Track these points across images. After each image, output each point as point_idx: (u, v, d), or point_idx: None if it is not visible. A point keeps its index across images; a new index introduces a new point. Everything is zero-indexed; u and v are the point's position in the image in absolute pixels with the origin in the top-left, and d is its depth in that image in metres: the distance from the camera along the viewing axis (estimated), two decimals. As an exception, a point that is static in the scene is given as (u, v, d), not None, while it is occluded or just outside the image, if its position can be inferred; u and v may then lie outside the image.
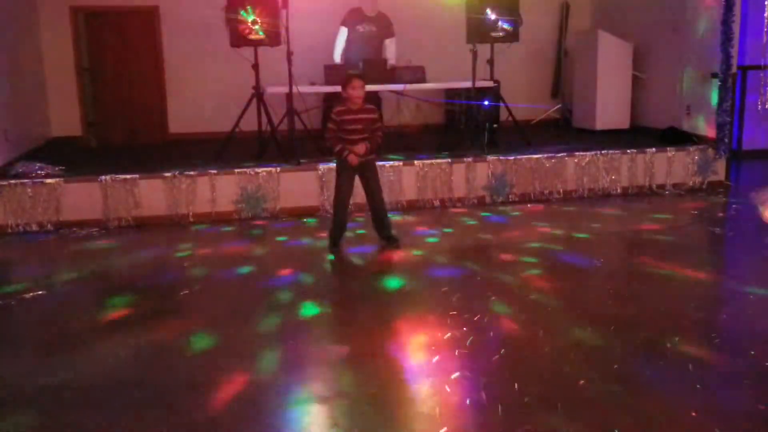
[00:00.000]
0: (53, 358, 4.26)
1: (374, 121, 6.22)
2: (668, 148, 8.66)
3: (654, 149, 8.62)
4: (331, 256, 6.27)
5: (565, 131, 10.74)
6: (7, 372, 4.02)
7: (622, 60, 10.10)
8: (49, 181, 7.33)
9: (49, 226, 7.27)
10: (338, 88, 6.37)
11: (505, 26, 8.71)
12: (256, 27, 7.96)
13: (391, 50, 9.28)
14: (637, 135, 9.85)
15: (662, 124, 9.63)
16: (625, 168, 8.50)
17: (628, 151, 8.54)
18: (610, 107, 10.14)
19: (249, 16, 7.99)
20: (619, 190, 8.46)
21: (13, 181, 7.29)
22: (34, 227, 7.23)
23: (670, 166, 8.60)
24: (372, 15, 9.18)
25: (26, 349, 4.49)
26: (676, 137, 9.09)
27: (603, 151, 8.47)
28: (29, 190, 7.25)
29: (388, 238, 6.45)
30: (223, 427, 3.42)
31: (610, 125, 10.15)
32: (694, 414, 3.39)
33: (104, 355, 4.30)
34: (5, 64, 8.45)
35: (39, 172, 7.51)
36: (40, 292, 5.42)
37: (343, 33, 9.16)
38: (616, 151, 8.52)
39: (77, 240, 7.01)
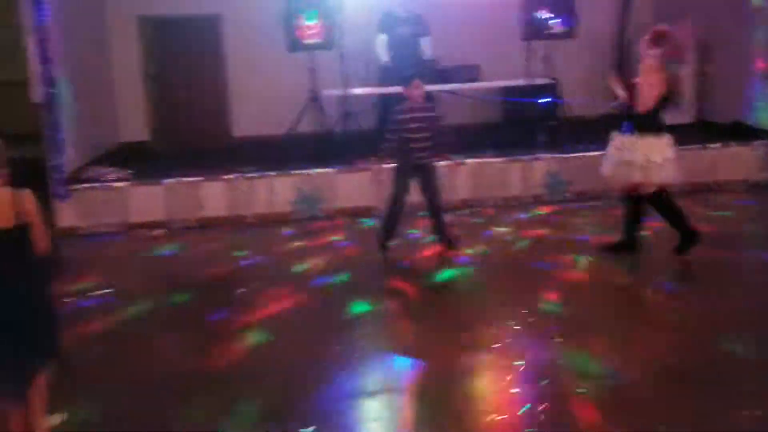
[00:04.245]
0: (117, 356, 4.52)
1: (436, 118, 6.29)
2: (732, 143, 8.45)
3: (719, 144, 8.42)
4: (382, 255, 6.38)
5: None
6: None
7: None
8: (117, 184, 7.68)
9: (117, 227, 7.60)
10: (392, 90, 6.46)
11: (560, 23, 8.65)
12: (312, 31, 8.14)
13: (427, 48, 9.25)
14: (701, 130, 9.62)
15: (728, 118, 9.39)
16: (688, 163, 8.32)
17: (691, 146, 8.37)
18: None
19: (305, 21, 8.18)
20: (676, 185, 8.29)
21: (84, 185, 7.65)
22: (104, 229, 7.58)
23: (734, 162, 8.39)
24: (406, 16, 9.15)
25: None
26: (742, 132, 8.85)
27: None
28: (99, 193, 7.60)
29: (445, 239, 6.49)
30: (279, 414, 3.59)
31: (672, 120, 9.90)
32: None
33: (164, 347, 4.55)
34: (77, 73, 8.83)
35: (108, 176, 7.87)
36: (107, 291, 5.72)
37: (382, 39, 9.14)
38: (679, 147, 8.35)
39: (143, 241, 7.32)
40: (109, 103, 10.43)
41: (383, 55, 9.17)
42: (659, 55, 5.68)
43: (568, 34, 8.70)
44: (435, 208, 6.41)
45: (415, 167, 6.26)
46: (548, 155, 8.15)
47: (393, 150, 6.20)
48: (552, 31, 8.70)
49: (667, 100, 5.75)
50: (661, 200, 5.82)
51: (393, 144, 6.19)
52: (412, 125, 6.16)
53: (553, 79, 8.95)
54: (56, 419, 3.63)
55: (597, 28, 10.95)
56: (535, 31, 8.72)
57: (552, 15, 8.71)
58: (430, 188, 6.36)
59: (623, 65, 11.10)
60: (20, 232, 3.19)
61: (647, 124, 5.69)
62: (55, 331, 3.39)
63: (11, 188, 3.23)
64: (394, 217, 6.39)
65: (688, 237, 5.84)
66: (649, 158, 5.58)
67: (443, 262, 6.24)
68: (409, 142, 6.16)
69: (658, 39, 5.74)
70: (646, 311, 5.09)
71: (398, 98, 6.43)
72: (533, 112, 8.91)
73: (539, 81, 8.84)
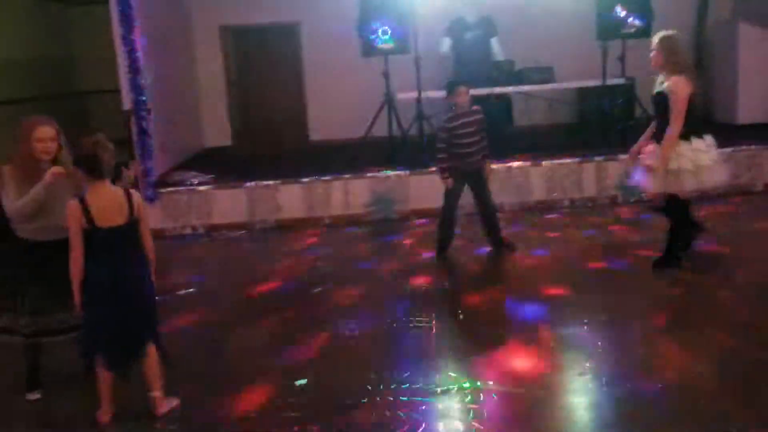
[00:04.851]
0: (199, 352, 4.79)
1: (483, 121, 6.35)
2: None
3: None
4: (439, 262, 6.49)
5: (705, 126, 10.31)
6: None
7: (765, 52, 9.61)
8: (201, 188, 8.04)
9: (201, 229, 7.96)
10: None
11: (636, 22, 8.57)
12: (386, 37, 8.32)
13: (496, 48, 9.26)
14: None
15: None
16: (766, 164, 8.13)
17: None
18: (753, 101, 9.68)
19: (380, 27, 8.36)
20: (760, 187, 8.10)
21: (170, 189, 8.04)
22: (189, 230, 7.94)
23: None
24: (475, 21, 9.18)
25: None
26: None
27: (744, 147, 8.15)
28: (184, 197, 7.98)
29: (500, 243, 6.56)
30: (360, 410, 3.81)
31: (753, 119, 9.69)
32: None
33: (245, 343, 4.80)
34: (164, 81, 9.26)
35: (193, 180, 8.25)
36: (191, 290, 6.03)
37: (445, 42, 9.18)
38: (760, 146, 8.18)
39: (226, 241, 7.65)
40: (194, 110, 10.88)
41: (445, 52, 9.18)
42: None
43: (644, 33, 8.57)
44: (488, 213, 6.49)
45: (466, 173, 6.33)
46: (624, 156, 8.06)
47: (444, 158, 6.28)
48: (628, 30, 8.61)
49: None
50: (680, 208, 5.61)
51: (444, 152, 6.26)
52: (462, 132, 6.22)
53: (629, 78, 8.85)
54: (173, 402, 3.93)
55: (674, 26, 10.77)
56: (610, 30, 8.65)
57: (628, 13, 8.62)
58: (482, 193, 6.43)
59: (702, 63, 10.92)
60: (132, 228, 3.67)
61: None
62: (156, 319, 3.88)
63: (121, 189, 3.68)
64: (449, 223, 6.50)
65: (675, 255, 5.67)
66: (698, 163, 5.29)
67: (500, 267, 6.35)
68: (460, 147, 6.22)
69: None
70: None
71: (447, 105, 6.49)
72: (609, 113, 8.84)
73: (615, 81, 8.76)
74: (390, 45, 8.42)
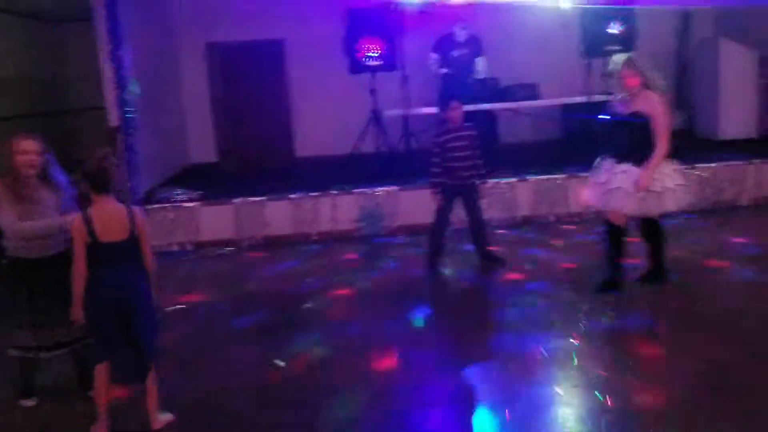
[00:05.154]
0: (191, 365, 4.75)
1: (476, 138, 6.41)
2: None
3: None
4: (432, 275, 6.53)
5: (687, 141, 10.45)
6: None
7: (747, 68, 9.79)
8: (188, 204, 8.01)
9: (188, 246, 7.92)
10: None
11: (619, 29, 8.70)
12: (373, 54, 8.38)
13: (481, 67, 9.35)
14: (765, 144, 9.48)
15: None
16: (751, 178, 8.24)
17: (755, 161, 8.29)
18: (734, 116, 9.84)
19: (367, 44, 8.42)
20: (745, 202, 8.21)
21: (156, 206, 8.00)
22: (176, 247, 7.90)
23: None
24: (463, 40, 9.27)
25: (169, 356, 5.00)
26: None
27: (726, 163, 8.27)
28: (171, 213, 7.93)
29: (489, 258, 6.60)
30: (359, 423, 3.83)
31: (735, 135, 9.83)
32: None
33: (237, 361, 4.76)
34: (149, 97, 9.24)
35: (179, 196, 8.21)
36: (181, 306, 5.99)
37: (434, 57, 9.23)
38: (743, 162, 8.30)
39: (213, 258, 7.60)
40: (179, 126, 10.86)
41: (436, 70, 9.28)
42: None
43: (628, 50, 8.68)
44: (478, 228, 6.53)
45: (458, 187, 6.38)
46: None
47: (437, 174, 6.33)
48: (612, 48, 8.72)
49: None
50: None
51: (437, 168, 6.32)
52: (454, 145, 6.29)
53: (611, 94, 8.93)
54: (168, 417, 3.93)
55: (657, 43, 10.95)
56: (595, 47, 8.76)
57: (611, 32, 8.75)
58: (473, 208, 6.48)
59: (684, 79, 11.07)
60: (133, 243, 3.70)
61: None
62: (156, 333, 3.89)
63: (123, 205, 3.73)
64: (439, 238, 6.55)
65: (659, 270, 5.67)
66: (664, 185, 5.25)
67: (490, 281, 6.40)
68: (452, 161, 6.28)
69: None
70: None
71: (439, 121, 6.55)
72: (593, 128, 8.92)
73: (599, 97, 8.85)
74: (377, 62, 8.47)
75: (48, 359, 4.17)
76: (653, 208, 5.31)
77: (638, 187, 5.21)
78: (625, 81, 5.28)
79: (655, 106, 5.21)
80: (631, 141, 5.30)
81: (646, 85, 5.25)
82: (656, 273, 5.68)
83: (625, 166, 5.29)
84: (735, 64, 9.78)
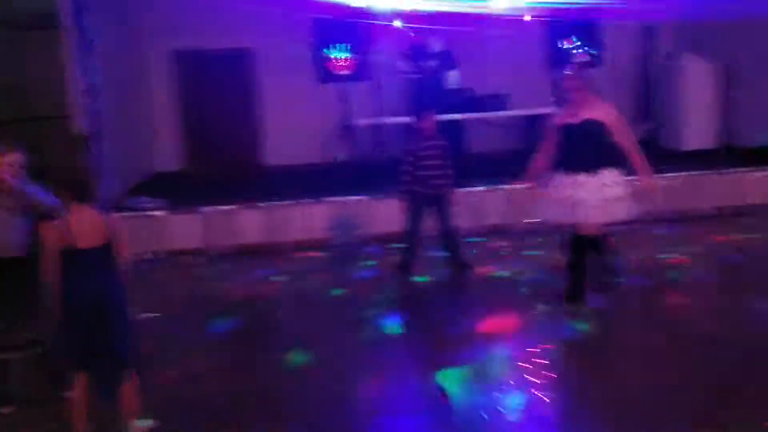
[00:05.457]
0: (167, 373, 4.69)
1: (447, 148, 6.47)
2: (759, 168, 8.54)
3: (744, 169, 8.52)
4: (402, 281, 6.58)
5: (651, 153, 10.64)
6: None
7: (708, 81, 10.04)
8: (157, 213, 7.89)
9: (156, 255, 7.79)
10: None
11: (584, 57, 8.86)
12: (344, 63, 8.39)
13: (453, 78, 9.44)
14: (727, 155, 9.71)
15: (754, 143, 9.48)
16: (714, 188, 8.43)
17: (717, 171, 8.48)
18: (697, 128, 10.07)
19: (337, 53, 8.43)
20: (708, 210, 8.39)
21: (124, 214, 7.85)
22: (145, 256, 7.76)
23: (762, 186, 8.47)
24: (436, 51, 9.35)
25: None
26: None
27: (691, 172, 8.45)
28: (139, 222, 7.81)
29: (460, 264, 6.67)
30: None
31: (698, 146, 10.06)
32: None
33: (212, 368, 4.72)
34: (115, 105, 9.11)
35: (147, 205, 8.09)
36: (154, 315, 5.90)
37: (402, 64, 9.29)
38: (705, 172, 8.49)
39: (182, 267, 7.50)
40: (145, 134, 10.72)
41: (403, 74, 9.28)
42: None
43: (594, 63, 8.87)
44: (449, 235, 6.59)
45: (429, 196, 6.42)
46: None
47: (408, 182, 6.37)
48: (579, 60, 8.88)
49: None
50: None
51: (408, 176, 6.36)
52: (426, 154, 6.35)
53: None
54: (149, 423, 3.89)
55: (622, 56, 11.18)
56: (562, 60, 8.91)
57: (577, 45, 8.91)
58: (444, 216, 6.53)
59: (648, 92, 11.30)
60: (108, 249, 3.71)
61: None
62: (132, 340, 3.87)
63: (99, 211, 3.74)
64: (412, 246, 6.60)
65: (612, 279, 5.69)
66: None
67: (461, 285, 6.48)
68: (423, 170, 6.34)
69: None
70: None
71: (411, 130, 6.60)
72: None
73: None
74: (348, 71, 8.49)
75: (18, 362, 4.16)
76: (618, 215, 5.28)
77: (646, 191, 5.22)
78: (571, 91, 5.27)
79: (609, 113, 5.24)
80: (587, 150, 5.23)
81: (591, 95, 5.27)
82: (608, 280, 5.65)
83: (583, 177, 5.22)
84: (697, 77, 10.02)
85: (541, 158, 5.52)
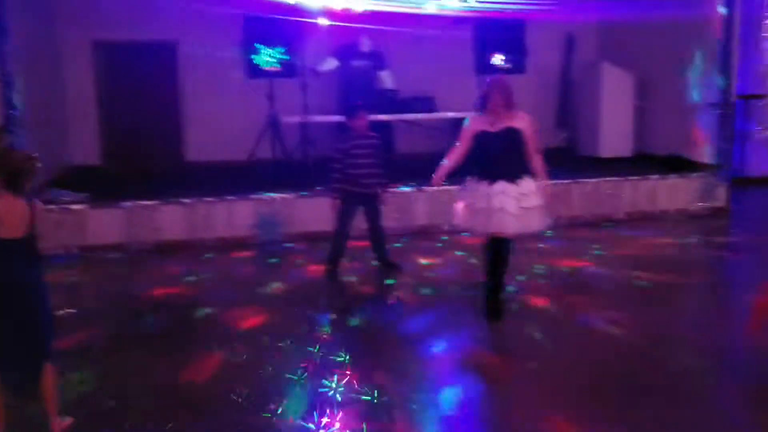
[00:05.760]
0: (87, 369, 4.57)
1: (378, 146, 6.52)
2: (670, 175, 8.94)
3: (657, 176, 8.89)
4: (328, 278, 6.60)
5: (569, 159, 10.99)
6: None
7: (625, 90, 10.44)
8: (75, 207, 7.65)
9: (74, 250, 7.55)
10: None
11: (507, 64, 9.08)
12: (272, 60, 8.34)
13: (387, 81, 9.53)
14: (640, 162, 10.11)
15: (666, 151, 9.91)
16: (629, 194, 8.77)
17: (631, 178, 8.83)
18: (613, 136, 10.46)
19: (265, 50, 8.37)
20: (622, 216, 8.72)
21: (45, 207, 7.57)
22: (61, 251, 7.51)
23: (673, 193, 8.86)
24: (366, 51, 9.42)
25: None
26: (680, 164, 9.36)
27: (607, 178, 8.77)
28: (56, 215, 7.54)
29: (387, 264, 6.75)
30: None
31: (614, 153, 10.45)
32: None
33: (133, 364, 4.62)
34: (31, 95, 8.78)
35: (65, 198, 7.82)
36: (70, 311, 5.72)
37: (329, 62, 9.33)
38: (620, 178, 8.82)
39: (101, 263, 7.29)
40: (61, 126, 10.37)
41: (320, 67, 9.27)
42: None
43: (518, 69, 9.10)
44: (378, 235, 6.65)
45: (359, 195, 6.45)
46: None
47: (339, 180, 6.38)
48: (503, 66, 9.09)
49: None
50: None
51: (338, 174, 6.37)
52: (357, 153, 6.37)
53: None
54: (67, 420, 3.79)
55: (545, 64, 11.50)
56: (487, 65, 9.10)
57: (502, 53, 9.13)
58: (374, 216, 6.58)
59: (567, 99, 11.67)
60: (31, 239, 3.59)
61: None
62: (53, 334, 3.78)
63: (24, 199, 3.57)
64: (339, 245, 6.60)
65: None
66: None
67: (385, 284, 6.52)
68: (354, 168, 6.35)
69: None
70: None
71: (343, 129, 6.61)
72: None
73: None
74: (276, 68, 8.43)
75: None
76: (534, 225, 5.29)
77: (541, 198, 5.25)
78: (492, 101, 5.20)
79: (529, 123, 5.28)
80: (508, 158, 5.22)
81: (511, 105, 5.23)
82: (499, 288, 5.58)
83: (501, 186, 5.18)
84: (614, 86, 10.41)
85: (451, 162, 5.49)
